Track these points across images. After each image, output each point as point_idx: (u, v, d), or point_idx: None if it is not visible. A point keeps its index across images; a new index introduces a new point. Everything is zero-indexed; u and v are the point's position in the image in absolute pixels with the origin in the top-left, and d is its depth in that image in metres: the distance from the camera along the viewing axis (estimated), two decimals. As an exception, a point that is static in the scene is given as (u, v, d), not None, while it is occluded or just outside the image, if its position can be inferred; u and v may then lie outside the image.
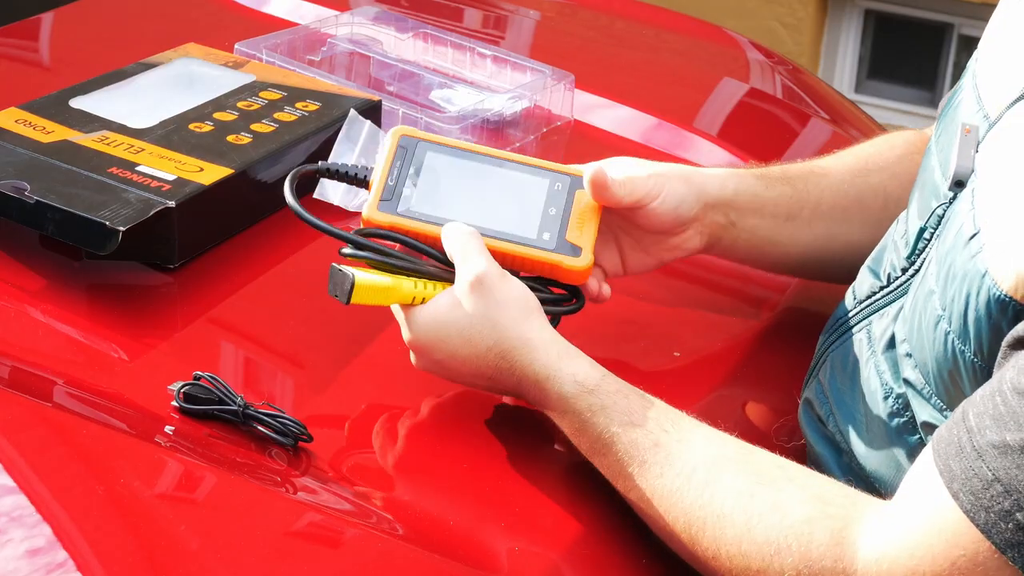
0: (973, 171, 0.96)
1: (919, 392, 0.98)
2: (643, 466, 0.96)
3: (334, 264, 1.04)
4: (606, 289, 1.13)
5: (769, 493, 0.93)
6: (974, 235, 0.91)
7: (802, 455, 1.11)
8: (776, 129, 1.72)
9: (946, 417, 0.95)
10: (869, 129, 1.77)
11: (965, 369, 0.92)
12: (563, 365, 1.00)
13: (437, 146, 1.12)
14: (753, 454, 0.97)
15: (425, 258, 1.06)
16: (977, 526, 0.83)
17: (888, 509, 0.90)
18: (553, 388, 0.99)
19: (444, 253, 1.05)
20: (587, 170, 1.10)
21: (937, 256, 0.96)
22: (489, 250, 1.06)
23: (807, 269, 1.25)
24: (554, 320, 1.07)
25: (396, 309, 1.06)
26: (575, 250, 1.08)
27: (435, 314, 1.02)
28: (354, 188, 1.30)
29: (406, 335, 1.05)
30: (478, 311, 1.01)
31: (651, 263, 1.17)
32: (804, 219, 1.20)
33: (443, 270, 1.05)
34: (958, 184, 0.97)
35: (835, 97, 1.88)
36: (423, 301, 1.03)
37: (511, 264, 1.07)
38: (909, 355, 0.99)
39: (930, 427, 0.97)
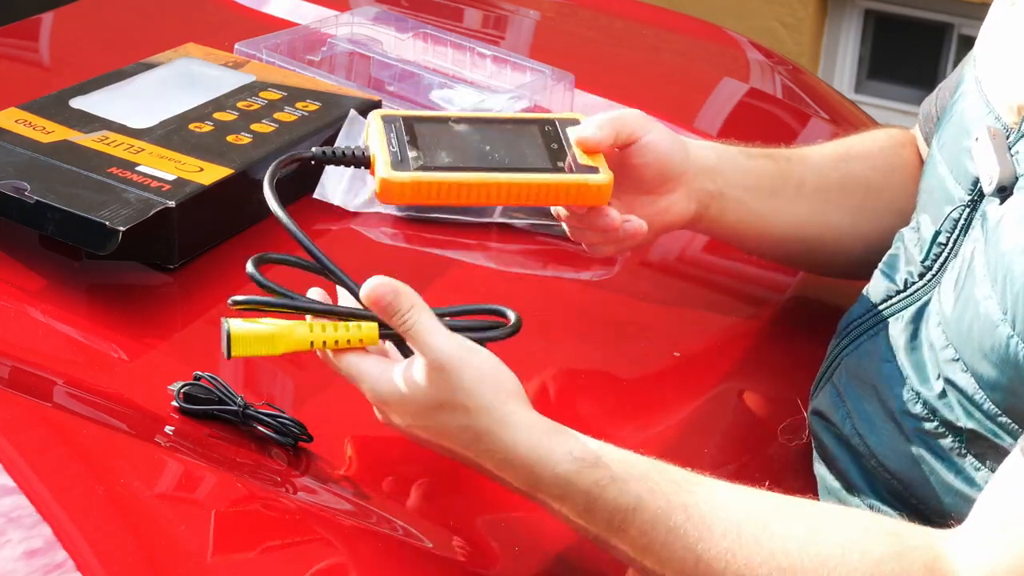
0: (1019, 175, 0.95)
1: (968, 398, 0.96)
2: (676, 533, 0.87)
3: (223, 319, 0.96)
4: (636, 221, 1.10)
5: (836, 536, 0.87)
6: None
7: (806, 454, 1.11)
8: (776, 129, 1.71)
9: (997, 424, 0.93)
10: (869, 129, 1.77)
11: None
12: (554, 443, 0.90)
13: (420, 118, 1.11)
14: (791, 501, 0.91)
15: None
16: None
17: (975, 531, 0.86)
18: (547, 470, 0.89)
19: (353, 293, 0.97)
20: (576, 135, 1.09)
21: (988, 261, 0.95)
22: (510, 185, 1.05)
23: (789, 249, 1.24)
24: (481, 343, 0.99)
25: (361, 363, 0.96)
26: (593, 169, 1.07)
27: (394, 387, 0.93)
28: (354, 188, 1.30)
29: (365, 392, 0.96)
30: (443, 396, 0.91)
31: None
32: (788, 197, 1.19)
33: (352, 310, 0.97)
34: (1002, 190, 0.96)
35: (835, 97, 1.88)
36: (323, 345, 0.96)
37: (534, 196, 1.07)
38: (956, 359, 0.97)
39: (974, 434, 0.96)
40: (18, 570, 0.84)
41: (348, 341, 0.96)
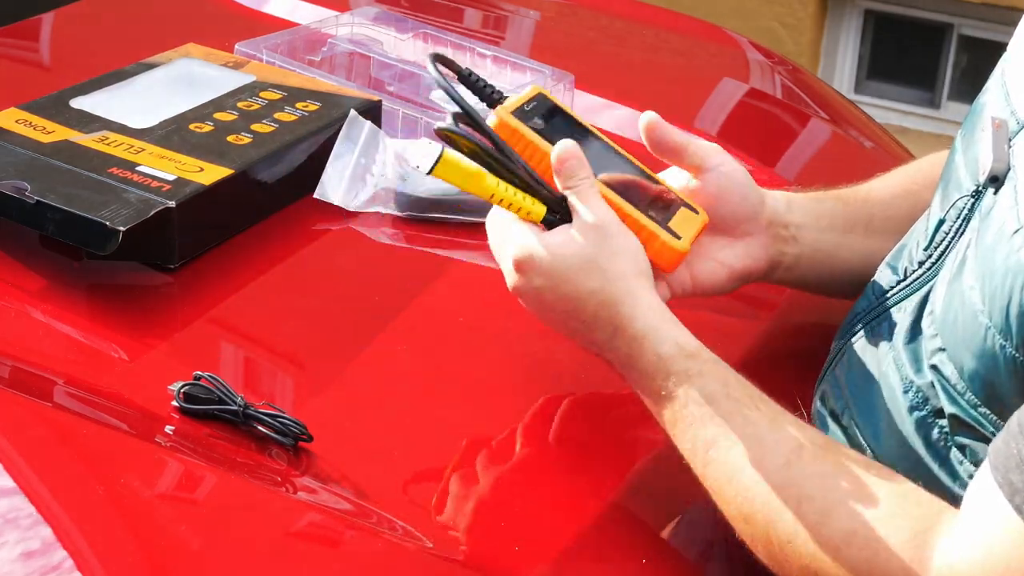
0: (1011, 167, 0.96)
1: (952, 386, 0.97)
2: (730, 437, 0.94)
3: (425, 138, 1.02)
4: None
5: (854, 481, 0.92)
6: (1018, 230, 0.91)
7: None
8: (776, 129, 1.72)
9: (979, 414, 0.95)
10: (869, 129, 1.78)
11: (1005, 365, 0.91)
12: (666, 327, 0.99)
13: (563, 112, 1.11)
14: (839, 446, 0.97)
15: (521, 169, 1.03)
16: None
17: (959, 520, 0.89)
18: (650, 346, 0.98)
19: (544, 183, 1.03)
20: (642, 119, 1.10)
21: (976, 253, 0.96)
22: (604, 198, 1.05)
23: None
24: None
25: (517, 224, 1.02)
26: (676, 235, 1.07)
27: (547, 243, 1.00)
28: (354, 188, 1.30)
29: (512, 251, 1.02)
30: (590, 254, 1.00)
31: (720, 275, 1.14)
32: (860, 233, 1.20)
33: (536, 184, 1.03)
34: (993, 180, 0.96)
35: (835, 97, 1.88)
36: (500, 202, 1.02)
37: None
38: (942, 349, 0.98)
39: (957, 420, 0.97)
40: (18, 570, 0.84)
41: (519, 209, 1.02)
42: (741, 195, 1.13)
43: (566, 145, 1.03)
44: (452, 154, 1.01)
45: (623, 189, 1.07)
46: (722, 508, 0.96)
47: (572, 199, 1.02)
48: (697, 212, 1.11)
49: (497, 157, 1.03)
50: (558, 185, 1.03)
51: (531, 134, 1.05)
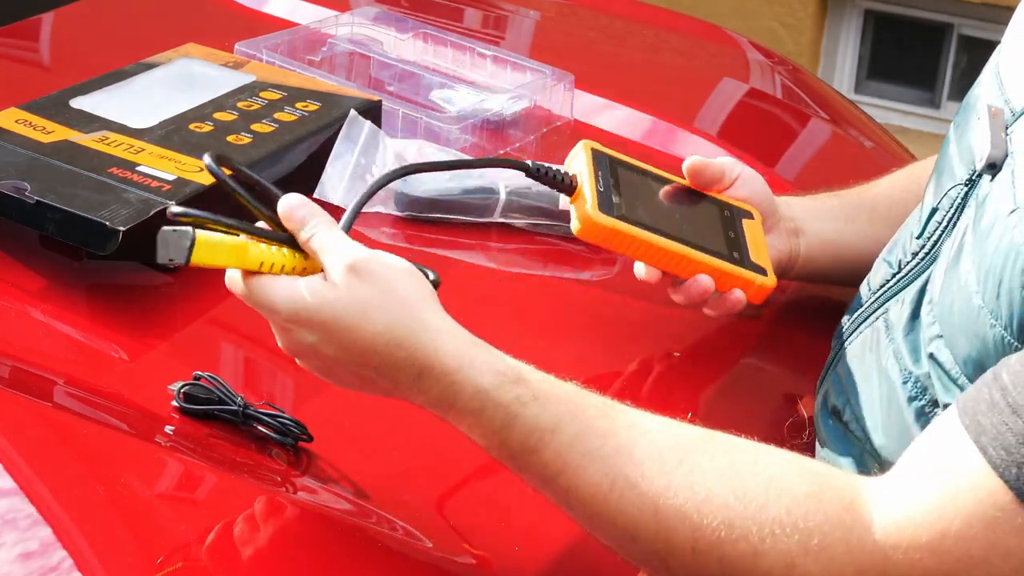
0: (1009, 153, 0.96)
1: (947, 373, 0.97)
2: (592, 456, 0.85)
3: (164, 228, 0.89)
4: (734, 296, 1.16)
5: (758, 470, 0.86)
6: (1014, 210, 0.91)
7: (812, 452, 1.11)
8: (776, 129, 1.72)
9: None
10: (869, 129, 1.78)
11: (994, 346, 0.91)
12: (477, 354, 0.87)
13: (625, 163, 1.18)
14: (718, 435, 0.89)
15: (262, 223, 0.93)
16: (1007, 482, 0.79)
17: (903, 472, 0.86)
18: (468, 380, 0.86)
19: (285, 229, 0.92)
20: (686, 162, 1.20)
21: (974, 239, 0.96)
22: (690, 260, 1.13)
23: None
24: None
25: (275, 281, 0.89)
26: (762, 270, 1.16)
27: (312, 291, 0.87)
28: (355, 188, 1.30)
29: (277, 310, 0.89)
30: (361, 295, 0.87)
31: None
32: (864, 221, 1.24)
33: (283, 233, 0.92)
34: (991, 167, 0.97)
35: (835, 97, 1.88)
36: (272, 268, 0.90)
37: (702, 274, 1.14)
38: (940, 336, 0.98)
39: None
40: (19, 570, 0.84)
41: (294, 268, 0.91)
42: (764, 196, 1.22)
43: (288, 199, 0.91)
44: (207, 234, 0.89)
45: (697, 234, 1.15)
46: (598, 533, 0.88)
47: (314, 247, 0.90)
48: (752, 216, 1.20)
49: (238, 221, 0.91)
50: (301, 237, 0.90)
51: (632, 229, 1.11)
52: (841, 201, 1.27)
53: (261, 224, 0.93)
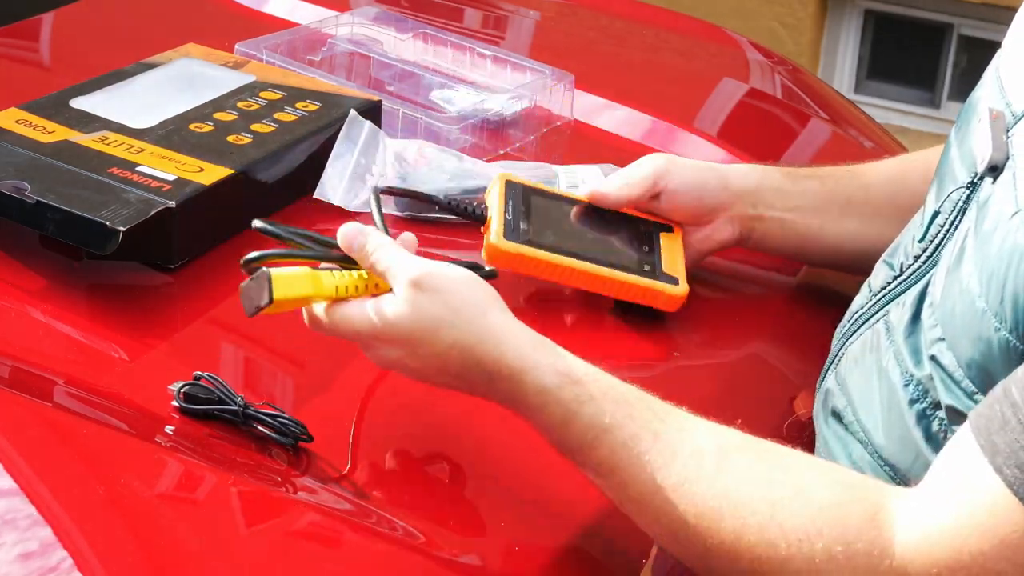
0: (1010, 156, 0.96)
1: (949, 375, 0.97)
2: (643, 458, 0.90)
3: (242, 284, 0.97)
4: None
5: (790, 479, 0.90)
6: (1016, 213, 0.91)
7: (813, 451, 1.11)
8: (776, 129, 1.72)
9: (974, 401, 0.94)
10: (869, 129, 1.78)
11: (999, 349, 0.91)
12: (540, 355, 0.93)
13: (539, 191, 1.22)
14: (761, 442, 0.94)
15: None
16: (1023, 500, 0.82)
17: (926, 489, 0.89)
18: (532, 380, 0.92)
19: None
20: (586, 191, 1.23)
21: (975, 242, 0.96)
22: (598, 277, 1.17)
23: (840, 260, 1.29)
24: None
25: (347, 308, 0.97)
26: (674, 280, 1.19)
27: (382, 314, 0.94)
28: (355, 188, 1.30)
29: (359, 334, 0.96)
30: (429, 312, 0.93)
31: (691, 255, 1.23)
32: (833, 214, 1.23)
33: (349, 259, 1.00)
34: (992, 169, 0.97)
35: (835, 97, 1.88)
36: (347, 291, 0.97)
37: (616, 290, 1.18)
38: (942, 339, 0.98)
39: (954, 411, 0.97)
40: (19, 571, 0.84)
41: (367, 287, 0.98)
42: (696, 199, 1.22)
43: (344, 229, 0.98)
44: (279, 270, 0.96)
45: (607, 252, 1.19)
46: (646, 529, 0.93)
47: (380, 270, 0.96)
48: (672, 230, 1.24)
49: (311, 246, 1.00)
50: (364, 264, 0.97)
51: (537, 252, 1.16)
52: (821, 186, 1.25)
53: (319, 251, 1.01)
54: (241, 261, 0.97)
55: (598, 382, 0.93)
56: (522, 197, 1.20)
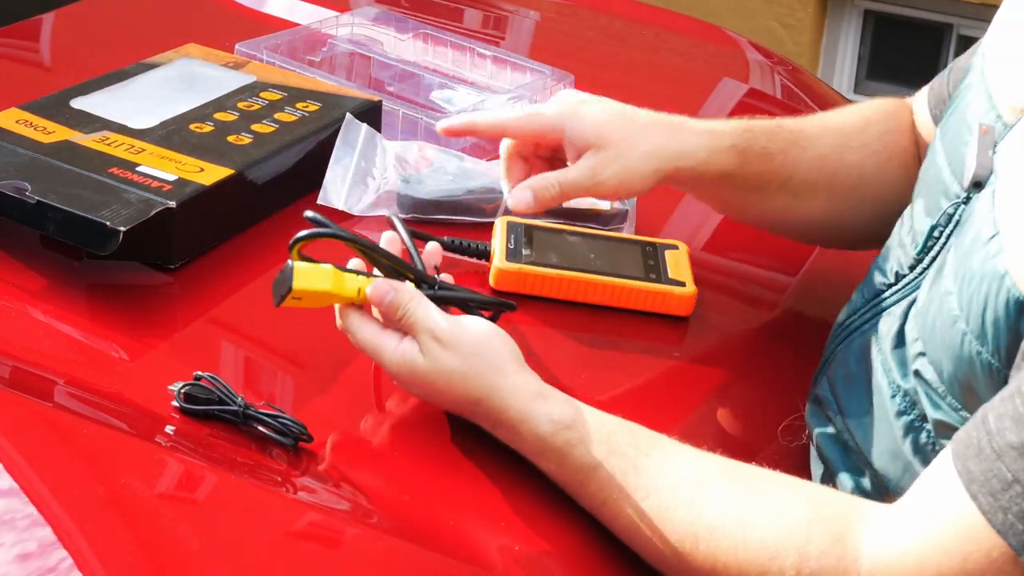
0: (992, 172, 0.96)
1: (933, 390, 0.98)
2: (626, 491, 0.96)
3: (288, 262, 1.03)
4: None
5: (761, 500, 0.94)
6: (993, 236, 0.92)
7: (806, 455, 1.12)
8: (776, 129, 1.71)
9: (960, 416, 0.95)
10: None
11: (982, 370, 0.92)
12: (536, 407, 0.99)
13: (539, 227, 1.25)
14: (738, 468, 0.97)
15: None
16: (994, 527, 0.83)
17: (899, 509, 0.91)
18: (529, 431, 0.99)
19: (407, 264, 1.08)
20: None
21: (955, 257, 0.97)
22: (603, 286, 1.19)
23: (770, 226, 1.30)
24: (493, 317, 1.10)
25: (377, 346, 1.03)
26: (680, 283, 1.21)
27: (404, 357, 1.01)
28: (356, 193, 1.30)
29: (385, 367, 1.04)
30: (448, 365, 1.00)
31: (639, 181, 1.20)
32: (770, 191, 1.22)
33: (398, 267, 1.06)
34: (976, 185, 0.97)
35: (835, 97, 1.88)
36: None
37: (624, 299, 1.20)
38: (923, 354, 0.99)
39: (942, 424, 0.97)
40: (20, 569, 0.84)
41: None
42: (623, 186, 1.18)
43: (375, 288, 1.03)
44: (304, 264, 1.02)
45: (612, 265, 1.22)
46: (639, 555, 0.97)
47: (410, 323, 1.02)
48: (677, 247, 1.26)
49: (353, 238, 1.05)
50: (393, 318, 1.03)
51: (541, 269, 1.19)
52: (767, 168, 1.20)
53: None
54: (294, 239, 1.03)
55: (587, 424, 0.99)
56: (523, 231, 1.24)
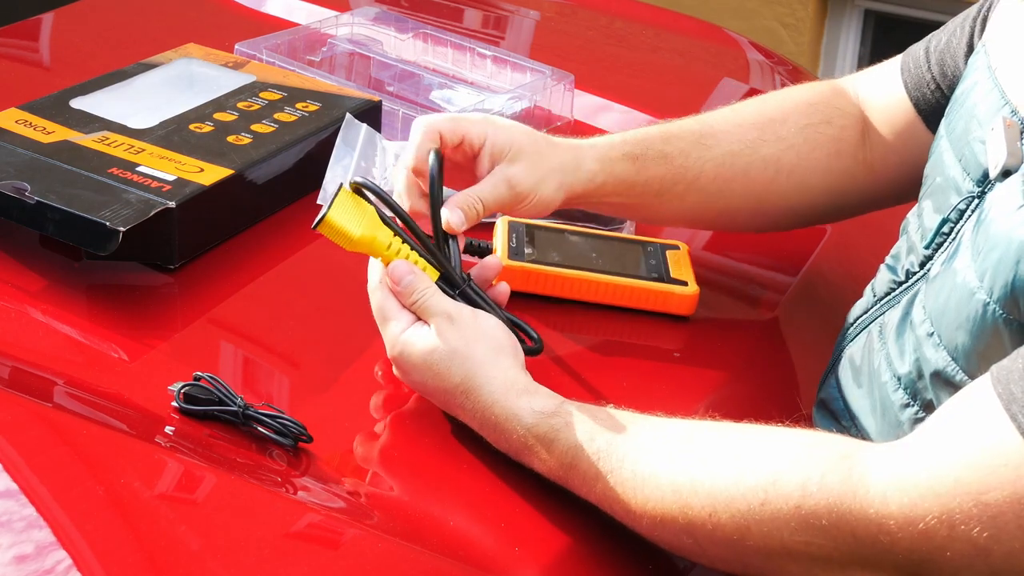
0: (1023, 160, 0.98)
1: (939, 372, 0.98)
2: (620, 461, 0.96)
3: (342, 184, 1.06)
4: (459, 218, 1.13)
5: (755, 436, 0.94)
6: (1022, 206, 0.92)
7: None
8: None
9: None
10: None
11: (1011, 335, 0.92)
12: (521, 403, 1.00)
13: (541, 227, 1.27)
14: (727, 423, 0.98)
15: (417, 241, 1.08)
16: None
17: (914, 434, 0.90)
18: (514, 425, 1.00)
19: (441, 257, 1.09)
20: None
21: (974, 237, 0.97)
22: (605, 285, 1.20)
23: (677, 226, 1.31)
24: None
25: (389, 320, 1.05)
26: (682, 282, 1.22)
27: (412, 339, 1.03)
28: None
29: (388, 350, 1.06)
30: (450, 345, 1.02)
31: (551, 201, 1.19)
32: (677, 193, 1.22)
33: (425, 249, 1.08)
34: (1006, 174, 0.98)
35: (835, 97, 1.87)
36: (396, 253, 1.06)
37: (625, 298, 1.21)
38: (931, 334, 0.99)
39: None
40: (18, 571, 0.84)
41: (417, 261, 1.06)
42: (504, 146, 1.15)
43: (396, 268, 1.06)
44: (347, 197, 1.05)
45: (614, 264, 1.23)
46: (643, 532, 0.96)
47: (423, 308, 1.04)
48: (679, 247, 1.27)
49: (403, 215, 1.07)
50: (406, 301, 1.05)
51: (543, 268, 1.20)
52: (667, 169, 1.20)
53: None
54: (352, 181, 1.06)
55: (571, 411, 1.00)
56: (525, 229, 1.25)
